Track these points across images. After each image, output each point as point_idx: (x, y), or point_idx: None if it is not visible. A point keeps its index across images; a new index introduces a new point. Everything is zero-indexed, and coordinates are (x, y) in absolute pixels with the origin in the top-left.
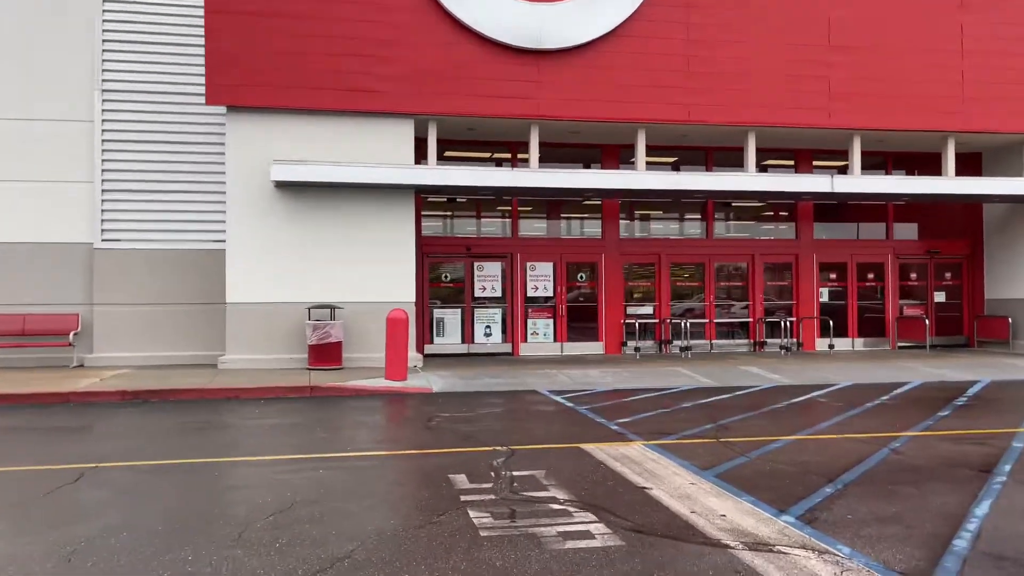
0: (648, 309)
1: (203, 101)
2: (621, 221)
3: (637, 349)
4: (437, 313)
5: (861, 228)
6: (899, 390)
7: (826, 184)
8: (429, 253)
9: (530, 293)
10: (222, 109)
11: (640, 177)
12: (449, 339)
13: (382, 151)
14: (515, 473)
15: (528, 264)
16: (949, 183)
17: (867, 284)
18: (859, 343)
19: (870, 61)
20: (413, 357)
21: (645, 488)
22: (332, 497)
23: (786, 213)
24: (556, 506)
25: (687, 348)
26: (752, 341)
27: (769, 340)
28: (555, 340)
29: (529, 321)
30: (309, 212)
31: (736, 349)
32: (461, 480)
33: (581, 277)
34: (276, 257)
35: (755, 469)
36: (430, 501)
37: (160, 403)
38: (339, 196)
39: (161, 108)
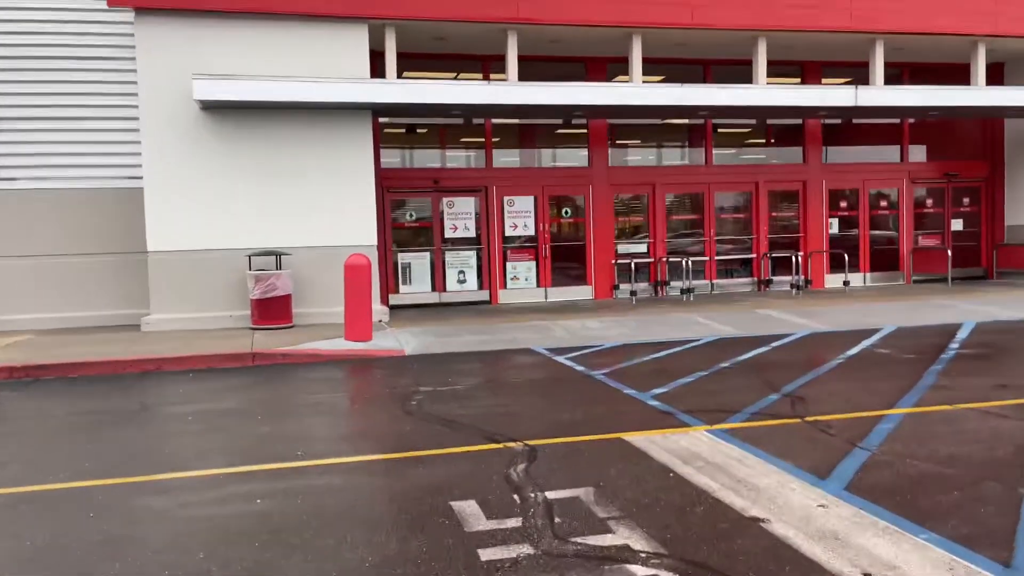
0: (642, 247)
1: (105, 3)
2: (610, 149)
3: (633, 293)
4: (402, 258)
5: (873, 151)
6: (960, 334)
7: (849, 97)
8: (390, 188)
9: (509, 232)
10: (131, 13)
11: (640, 91)
12: (417, 287)
13: (332, 65)
14: (549, 495)
15: (506, 199)
16: (989, 93)
17: (879, 213)
18: (871, 278)
19: None
20: (378, 311)
21: (759, 520)
22: (270, 556)
23: (792, 136)
24: (639, 570)
25: (689, 290)
26: (757, 279)
27: (775, 278)
28: (538, 285)
29: (508, 264)
30: (246, 140)
31: (740, 289)
32: (470, 512)
33: (566, 212)
34: (207, 195)
35: (894, 472)
36: (429, 563)
37: (56, 382)
38: (283, 120)
39: (60, 16)
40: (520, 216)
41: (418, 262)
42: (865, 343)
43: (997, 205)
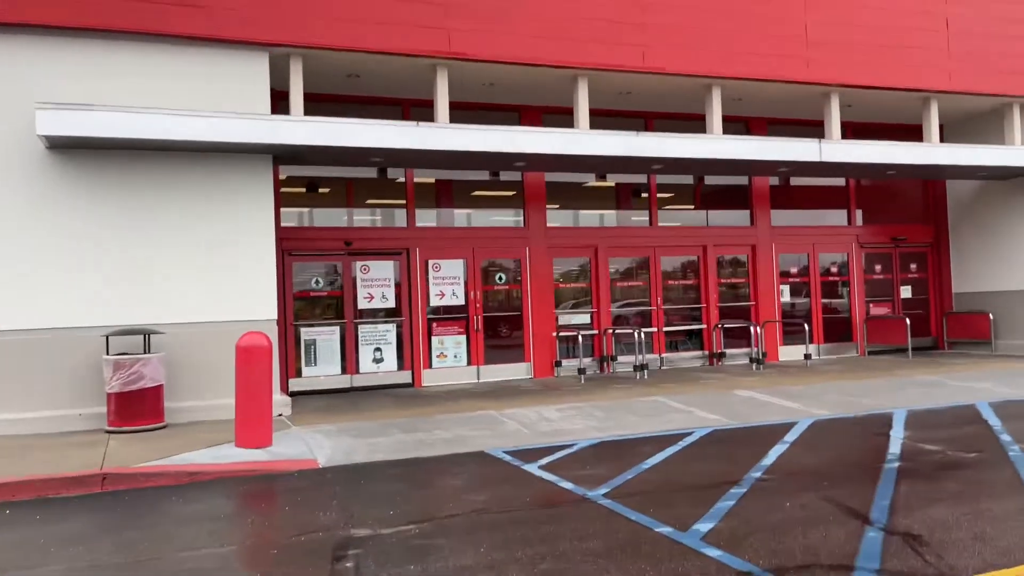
0: (584, 317)
1: None
2: (548, 209)
3: (582, 371)
4: (306, 334)
5: (820, 215)
6: (991, 419)
7: (813, 151)
8: (292, 251)
9: (435, 301)
10: None
11: (590, 138)
12: (324, 369)
13: (225, 99)
14: None
15: (431, 263)
16: (956, 151)
17: (830, 279)
18: (824, 349)
19: (852, 5)
20: (278, 401)
21: None
22: None
23: (740, 198)
24: None
25: (643, 367)
26: (708, 352)
27: (729, 350)
28: (469, 363)
29: (434, 339)
30: (109, 188)
31: (691, 363)
32: None
33: (500, 279)
34: (52, 258)
35: None
36: None
37: None
38: (158, 164)
39: None
40: (448, 283)
41: (325, 338)
42: (895, 435)
43: (943, 270)
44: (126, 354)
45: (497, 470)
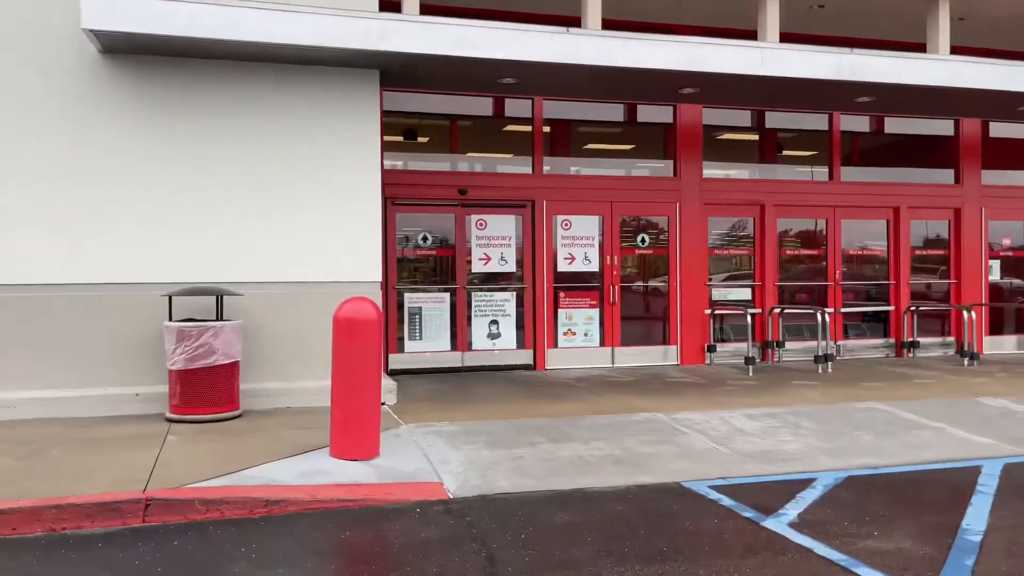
0: (743, 293)
1: None
2: (705, 159)
3: (750, 360)
4: (410, 301)
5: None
6: None
7: None
8: (395, 199)
9: (563, 266)
10: None
11: (788, 56)
12: (430, 344)
13: None
14: None
15: (559, 219)
16: None
17: None
18: None
19: None
20: (382, 387)
21: None
22: None
23: (937, 151)
24: None
25: (827, 357)
26: (895, 341)
27: (923, 339)
28: (602, 344)
29: (561, 313)
30: (174, 110)
31: (873, 353)
32: None
33: (643, 241)
34: (105, 194)
35: None
36: None
37: None
38: (240, 78)
39: None
40: (579, 244)
41: (433, 307)
42: None
43: None
44: (193, 320)
45: (721, 525)
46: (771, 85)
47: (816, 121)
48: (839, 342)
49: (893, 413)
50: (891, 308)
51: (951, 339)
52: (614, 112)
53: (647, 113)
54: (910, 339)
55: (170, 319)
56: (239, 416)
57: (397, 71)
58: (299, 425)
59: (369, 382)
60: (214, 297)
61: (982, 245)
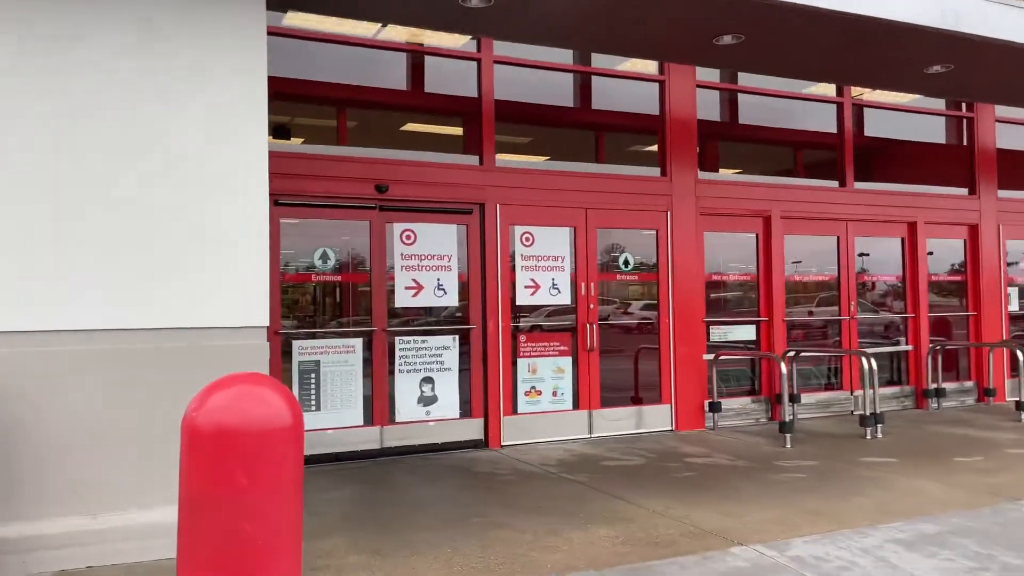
0: (747, 331)
1: None
2: (699, 155)
3: (786, 426)
4: (302, 351)
5: None
6: None
7: None
8: (279, 196)
9: (523, 298)
10: None
11: None
12: (334, 416)
13: None
14: None
15: (519, 231)
16: None
17: None
18: None
19: None
20: None
21: None
22: None
23: (949, 159)
24: None
25: (875, 418)
26: (916, 389)
27: (948, 385)
28: (577, 405)
29: (522, 363)
30: None
31: (889, 405)
32: None
33: (625, 263)
34: None
35: None
36: None
37: None
38: None
39: None
40: (545, 266)
41: (337, 361)
42: None
43: None
44: None
45: None
46: (855, 25)
47: (825, 117)
48: (856, 392)
49: None
50: (909, 348)
51: (970, 383)
52: (600, 97)
53: (629, 93)
54: (935, 385)
55: None
56: None
57: None
58: None
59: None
60: None
61: (1000, 268)
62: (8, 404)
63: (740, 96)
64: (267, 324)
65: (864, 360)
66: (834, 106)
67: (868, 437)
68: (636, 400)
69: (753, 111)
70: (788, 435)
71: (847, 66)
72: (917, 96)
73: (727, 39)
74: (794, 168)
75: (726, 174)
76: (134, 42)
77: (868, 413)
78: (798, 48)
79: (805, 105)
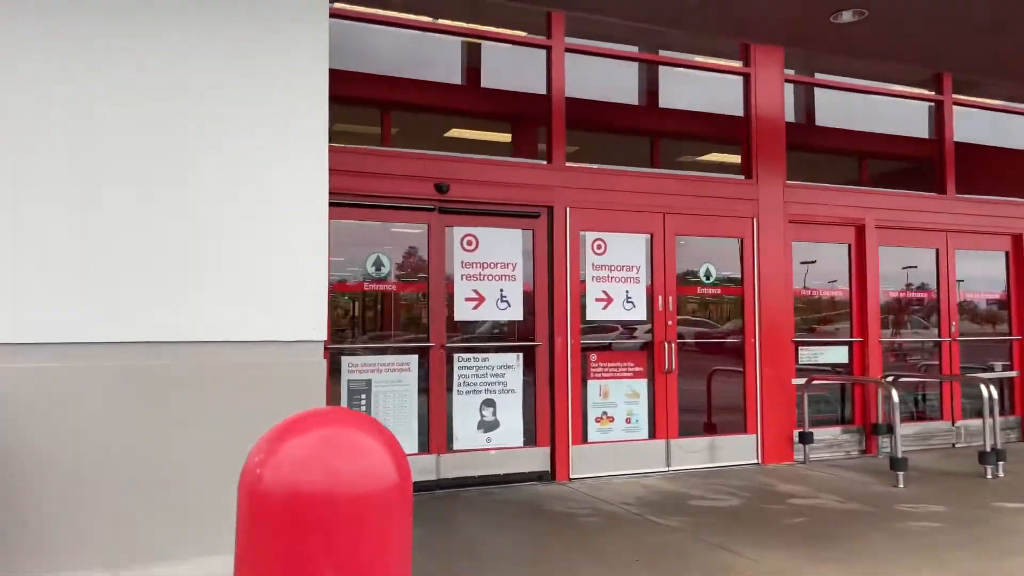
0: (838, 353)
1: None
2: (787, 158)
3: (899, 463)
4: (352, 369)
5: None
6: None
7: None
8: (331, 197)
9: (593, 312)
10: None
11: None
12: None
13: None
14: None
15: (590, 237)
16: None
17: None
18: None
19: None
20: None
21: None
22: None
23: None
24: None
25: (996, 454)
26: (1022, 420)
27: None
28: (653, 435)
29: (592, 386)
30: None
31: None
32: None
33: (706, 274)
34: None
35: None
36: None
37: None
38: None
39: None
40: (619, 277)
41: (390, 381)
42: None
43: None
44: None
45: None
46: None
47: (916, 119)
48: (958, 423)
49: None
50: (1015, 374)
51: None
52: (674, 96)
53: (707, 89)
54: None
55: None
56: None
57: None
58: None
59: None
60: None
61: None
62: (17, 430)
63: (817, 95)
64: (325, 338)
65: (983, 388)
66: (928, 106)
67: (989, 476)
68: (717, 429)
69: (831, 111)
70: (901, 473)
71: (999, 53)
72: None
73: (847, 16)
74: (878, 175)
75: (815, 178)
76: (221, 64)
77: (989, 448)
78: (931, 28)
79: (890, 107)
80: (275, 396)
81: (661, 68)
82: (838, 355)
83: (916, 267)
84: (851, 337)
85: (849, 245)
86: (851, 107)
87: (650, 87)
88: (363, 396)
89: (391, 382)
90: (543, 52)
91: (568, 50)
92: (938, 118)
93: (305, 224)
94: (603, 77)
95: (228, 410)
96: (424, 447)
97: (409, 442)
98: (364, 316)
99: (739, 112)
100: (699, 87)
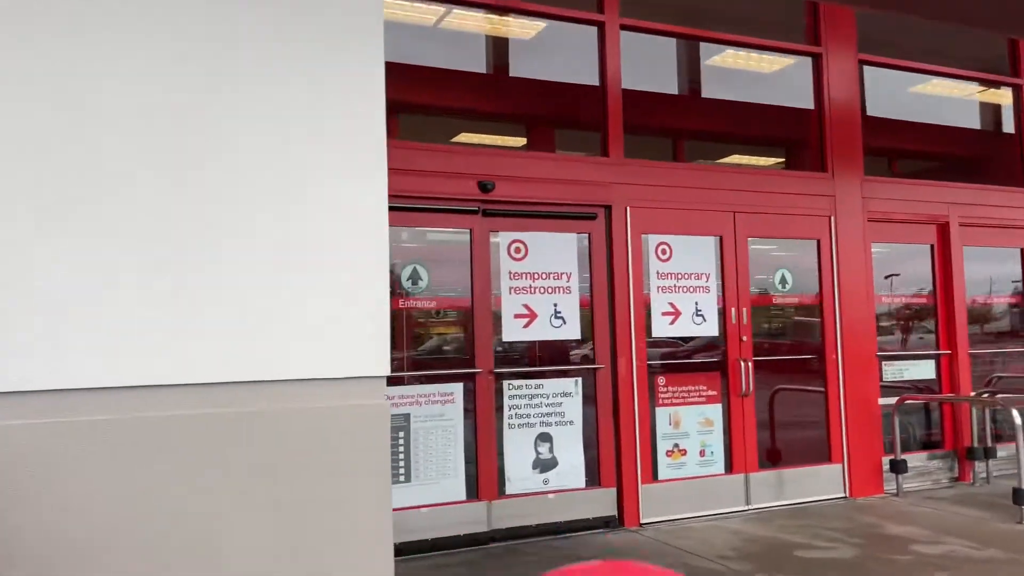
0: (924, 367)
1: None
2: (867, 157)
3: (1020, 494)
4: (396, 399)
5: None
6: None
7: None
8: None
9: (659, 327)
10: None
11: None
12: (427, 489)
13: None
14: None
15: (653, 241)
16: None
17: None
18: None
19: None
20: None
21: None
22: None
23: None
24: None
25: None
26: None
27: None
28: (730, 469)
29: (661, 413)
30: None
31: None
32: None
33: (783, 282)
34: None
35: None
36: None
37: None
38: None
39: None
40: (686, 285)
41: (431, 415)
42: None
43: None
44: None
45: None
46: None
47: (971, 109)
48: None
49: None
50: None
51: None
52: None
53: (771, 76)
54: None
55: None
56: None
57: None
58: None
59: None
60: None
61: None
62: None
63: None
64: (387, 373)
65: None
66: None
67: None
68: (797, 459)
69: (897, 101)
70: (1023, 515)
71: None
72: None
73: None
74: (952, 169)
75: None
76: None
77: None
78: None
79: (959, 97)
80: (329, 449)
81: (717, 58)
82: (925, 370)
83: (1000, 269)
84: (937, 350)
85: (932, 246)
86: (907, 96)
87: (696, 77)
88: (401, 434)
89: (433, 416)
90: (594, 30)
91: (624, 27)
92: (1021, 105)
93: (365, 227)
94: (655, 66)
95: (276, 469)
96: (472, 492)
97: (455, 487)
98: (401, 339)
99: (803, 104)
100: (766, 73)
